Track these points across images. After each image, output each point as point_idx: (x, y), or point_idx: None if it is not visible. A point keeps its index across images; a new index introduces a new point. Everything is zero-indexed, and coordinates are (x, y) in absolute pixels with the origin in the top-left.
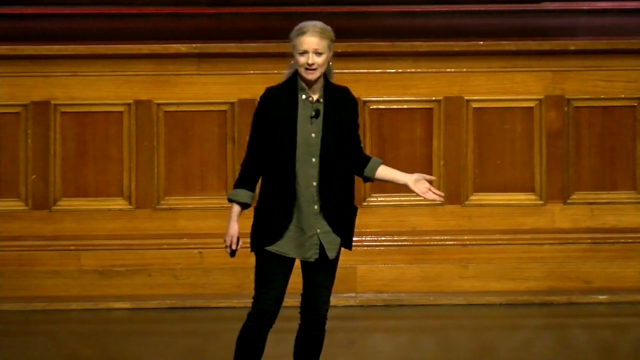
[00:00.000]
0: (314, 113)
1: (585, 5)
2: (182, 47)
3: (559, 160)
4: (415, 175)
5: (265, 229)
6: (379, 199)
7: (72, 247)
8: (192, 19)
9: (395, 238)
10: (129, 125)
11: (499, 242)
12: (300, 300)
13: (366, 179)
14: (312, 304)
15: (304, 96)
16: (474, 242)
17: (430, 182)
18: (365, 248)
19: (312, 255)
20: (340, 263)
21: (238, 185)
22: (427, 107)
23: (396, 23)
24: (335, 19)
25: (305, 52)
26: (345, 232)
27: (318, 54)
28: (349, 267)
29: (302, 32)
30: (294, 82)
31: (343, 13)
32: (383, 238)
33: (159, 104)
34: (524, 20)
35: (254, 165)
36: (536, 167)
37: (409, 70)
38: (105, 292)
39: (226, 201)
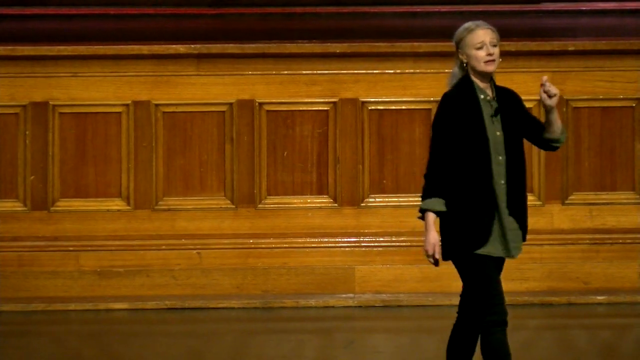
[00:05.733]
0: (493, 112)
1: (585, 6)
2: (181, 48)
3: (558, 160)
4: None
5: (472, 232)
6: (378, 199)
7: (71, 248)
8: (192, 19)
9: (395, 238)
10: (127, 126)
11: None
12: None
13: (552, 141)
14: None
15: (482, 96)
16: None
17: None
18: (364, 248)
19: (514, 252)
20: (339, 263)
21: (429, 194)
22: (427, 107)
23: (396, 23)
24: (336, 20)
25: (482, 45)
26: (525, 228)
27: (493, 45)
28: (348, 268)
29: (472, 29)
30: (469, 84)
31: (343, 14)
32: (382, 238)
33: (157, 105)
34: (524, 20)
35: (443, 171)
36: (535, 167)
37: (408, 70)
38: (104, 293)
39: (224, 201)
